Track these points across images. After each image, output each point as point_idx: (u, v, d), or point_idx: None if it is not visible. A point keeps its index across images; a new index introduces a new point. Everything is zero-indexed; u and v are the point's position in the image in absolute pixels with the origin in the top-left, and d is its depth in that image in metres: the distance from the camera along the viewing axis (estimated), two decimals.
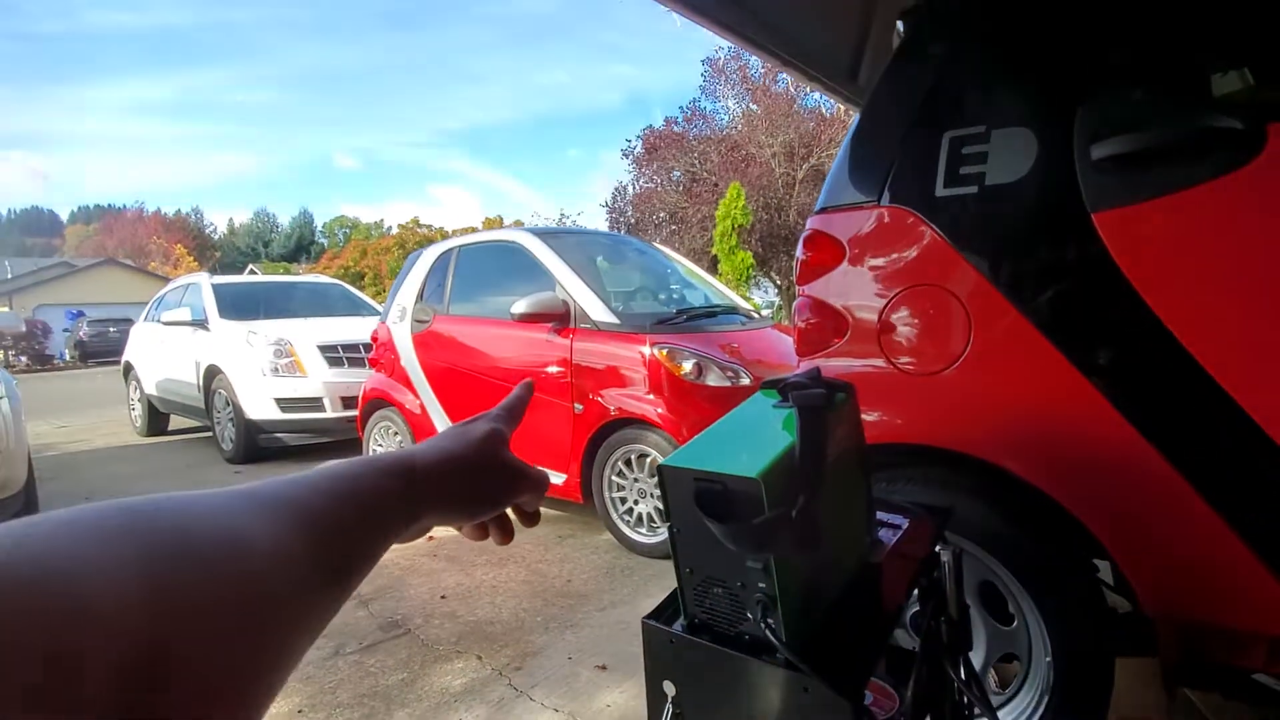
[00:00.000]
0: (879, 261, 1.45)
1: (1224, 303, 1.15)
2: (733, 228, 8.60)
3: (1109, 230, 1.19)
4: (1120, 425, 1.21)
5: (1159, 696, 1.38)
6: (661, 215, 19.39)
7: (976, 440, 1.33)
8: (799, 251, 1.59)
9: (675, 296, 4.01)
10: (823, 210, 1.57)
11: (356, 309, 6.62)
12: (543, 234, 3.76)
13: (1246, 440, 1.11)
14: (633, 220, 19.68)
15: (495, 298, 3.70)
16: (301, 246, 58.47)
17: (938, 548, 1.04)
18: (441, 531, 3.59)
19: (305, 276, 8.81)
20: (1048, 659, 1.28)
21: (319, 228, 63.37)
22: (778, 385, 0.98)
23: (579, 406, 3.20)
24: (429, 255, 4.14)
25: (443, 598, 2.75)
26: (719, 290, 4.35)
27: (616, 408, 3.08)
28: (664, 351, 3.01)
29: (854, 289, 1.48)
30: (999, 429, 1.32)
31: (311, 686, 2.15)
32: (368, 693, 2.10)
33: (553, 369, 3.30)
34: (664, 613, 0.98)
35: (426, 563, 3.15)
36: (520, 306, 3.25)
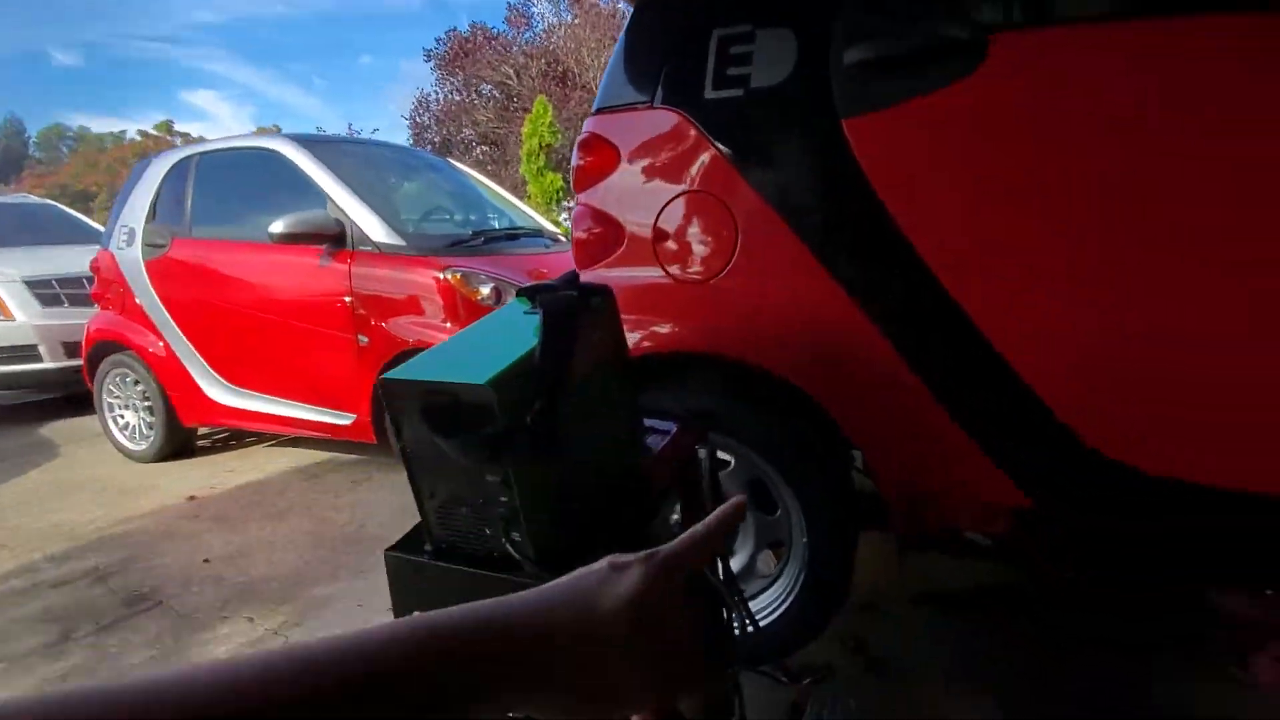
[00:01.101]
0: (652, 166, 1.40)
1: (949, 209, 1.26)
2: (540, 147, 8.23)
3: (856, 136, 1.24)
4: (866, 327, 1.30)
5: (890, 562, 1.59)
6: (470, 134, 18.12)
7: (744, 345, 1.38)
8: (574, 155, 1.50)
9: (473, 218, 3.75)
10: (599, 111, 1.48)
11: (79, 235, 5.41)
12: (308, 141, 3.26)
13: (964, 338, 1.25)
14: (437, 140, 18.20)
15: (252, 217, 3.17)
16: (10, 160, 46.83)
17: (698, 448, 1.06)
18: (203, 487, 3.16)
19: (7, 197, 7.00)
20: (804, 540, 1.40)
21: (32, 138, 51.03)
22: (529, 291, 0.89)
23: (364, 339, 2.90)
24: (160, 165, 3.43)
25: (206, 561, 2.41)
26: (524, 213, 4.15)
27: (415, 339, 2.84)
28: (458, 275, 2.80)
29: (629, 196, 1.43)
30: (763, 333, 1.37)
31: (31, 679, 1.78)
32: (106, 678, 1.79)
33: (328, 299, 2.94)
34: (410, 543, 0.89)
35: (186, 525, 2.75)
36: (281, 226, 2.81)
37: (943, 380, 1.30)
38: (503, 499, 0.75)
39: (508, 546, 0.76)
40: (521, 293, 0.90)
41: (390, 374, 0.75)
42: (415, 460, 0.79)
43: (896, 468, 1.39)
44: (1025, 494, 1.28)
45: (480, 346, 0.81)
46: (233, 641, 1.93)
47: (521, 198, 5.49)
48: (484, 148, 17.91)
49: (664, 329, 1.43)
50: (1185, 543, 1.25)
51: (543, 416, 0.72)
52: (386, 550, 0.86)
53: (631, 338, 1.43)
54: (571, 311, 0.83)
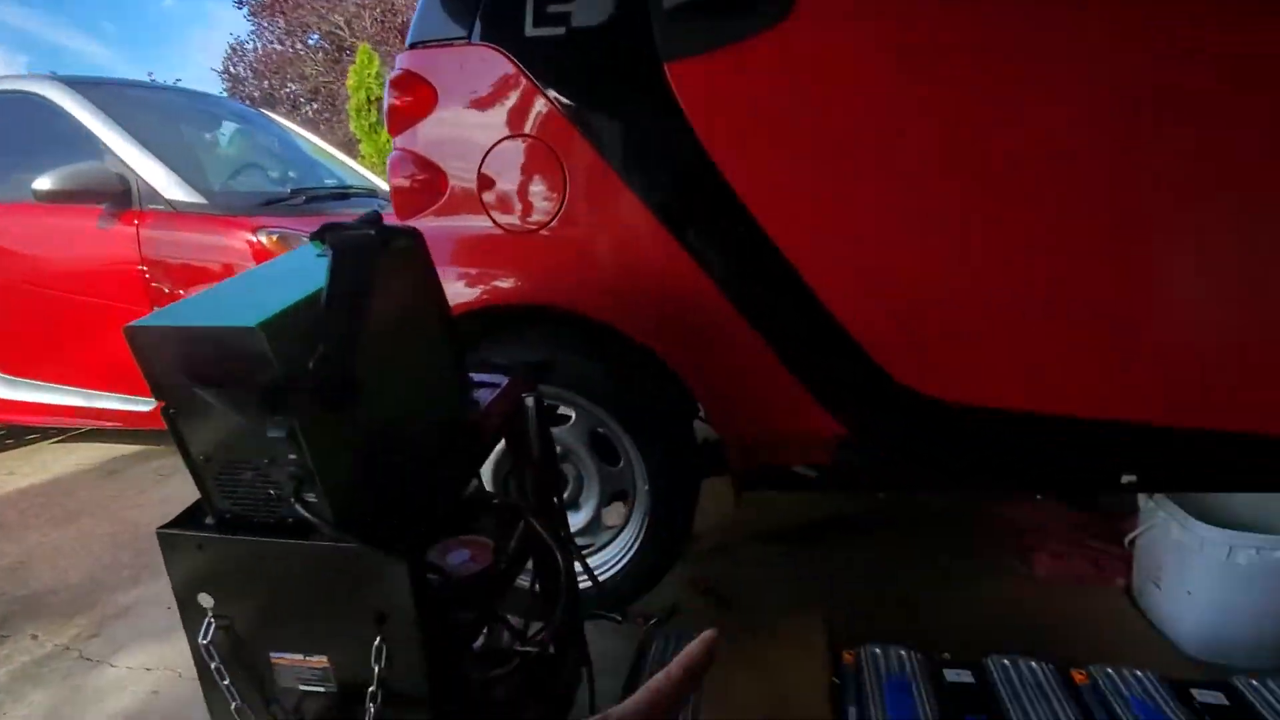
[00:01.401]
0: (473, 108, 1.32)
1: (767, 157, 1.30)
2: (369, 100, 7.53)
3: (678, 82, 1.24)
4: (697, 275, 1.32)
5: (728, 504, 1.67)
6: (297, 88, 16.34)
7: (577, 297, 1.35)
8: (387, 94, 1.38)
9: (293, 176, 3.39)
10: (413, 46, 1.36)
11: None
12: (80, 84, 2.76)
13: (788, 284, 1.31)
14: (257, 95, 16.25)
15: (14, 174, 2.65)
16: None
17: (525, 396, 1.03)
18: None
19: None
20: (646, 488, 1.43)
21: None
22: (319, 232, 0.80)
23: None
24: None
25: None
26: (355, 171, 3.82)
27: None
28: (274, 238, 2.52)
29: (449, 140, 1.34)
30: (596, 285, 1.35)
31: None
32: None
33: (116, 267, 2.54)
34: (190, 518, 0.78)
35: None
36: (48, 183, 2.37)
37: (770, 325, 1.36)
38: (291, 457, 0.67)
39: (301, 510, 0.68)
40: (313, 236, 0.80)
41: (138, 322, 0.64)
42: (182, 421, 0.69)
43: (731, 411, 1.44)
44: (844, 426, 1.38)
45: (256, 290, 0.72)
46: (15, 662, 1.65)
47: (354, 156, 5.04)
48: (315, 104, 16.27)
49: (497, 282, 1.37)
50: (978, 460, 1.43)
51: (329, 364, 0.65)
52: (159, 528, 0.75)
53: (463, 291, 1.36)
54: (366, 251, 0.76)
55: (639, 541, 1.46)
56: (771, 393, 1.41)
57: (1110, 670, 1.22)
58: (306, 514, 0.68)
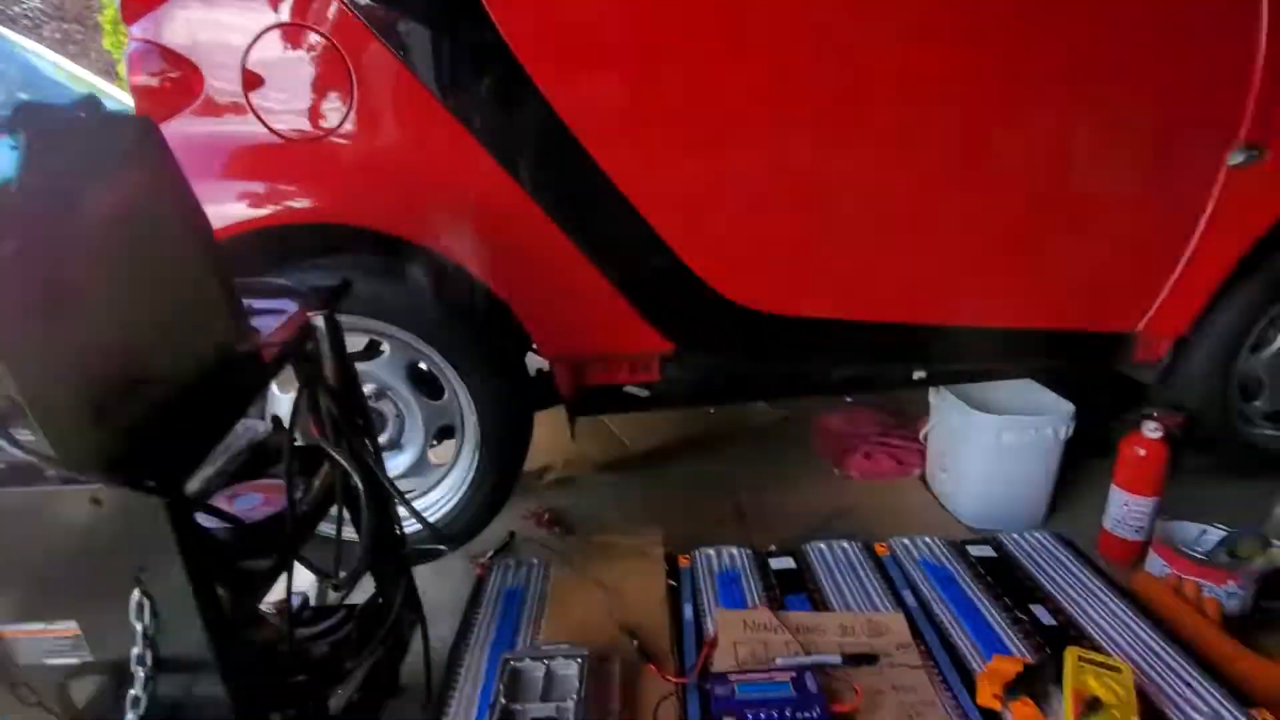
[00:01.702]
0: None
1: (586, 70, 1.24)
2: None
3: None
4: (511, 189, 1.24)
5: (565, 439, 1.65)
6: (39, 4, 13.40)
7: (375, 214, 1.22)
8: None
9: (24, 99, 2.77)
10: None
11: None
12: None
13: (610, 201, 1.27)
14: None
15: None
16: None
17: (313, 318, 0.91)
18: None
19: None
20: (474, 420, 1.36)
21: None
22: (9, 118, 0.63)
23: None
24: None
25: None
26: (112, 98, 3.21)
27: None
28: None
29: (202, 27, 1.12)
30: (396, 199, 1.23)
31: None
32: None
33: None
34: None
35: None
36: None
37: (593, 243, 1.32)
38: None
39: (16, 452, 0.55)
40: (8, 123, 0.63)
41: None
42: None
43: (561, 334, 1.40)
44: (671, 341, 1.40)
45: None
46: None
47: (112, 80, 4.26)
48: (61, 23, 13.47)
49: (279, 196, 1.19)
50: (792, 364, 1.52)
51: (24, 264, 0.51)
52: None
53: (238, 208, 1.17)
54: (71, 135, 0.60)
55: (470, 478, 1.39)
56: (601, 314, 1.39)
57: (905, 540, 1.37)
58: (24, 454, 0.54)
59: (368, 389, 1.34)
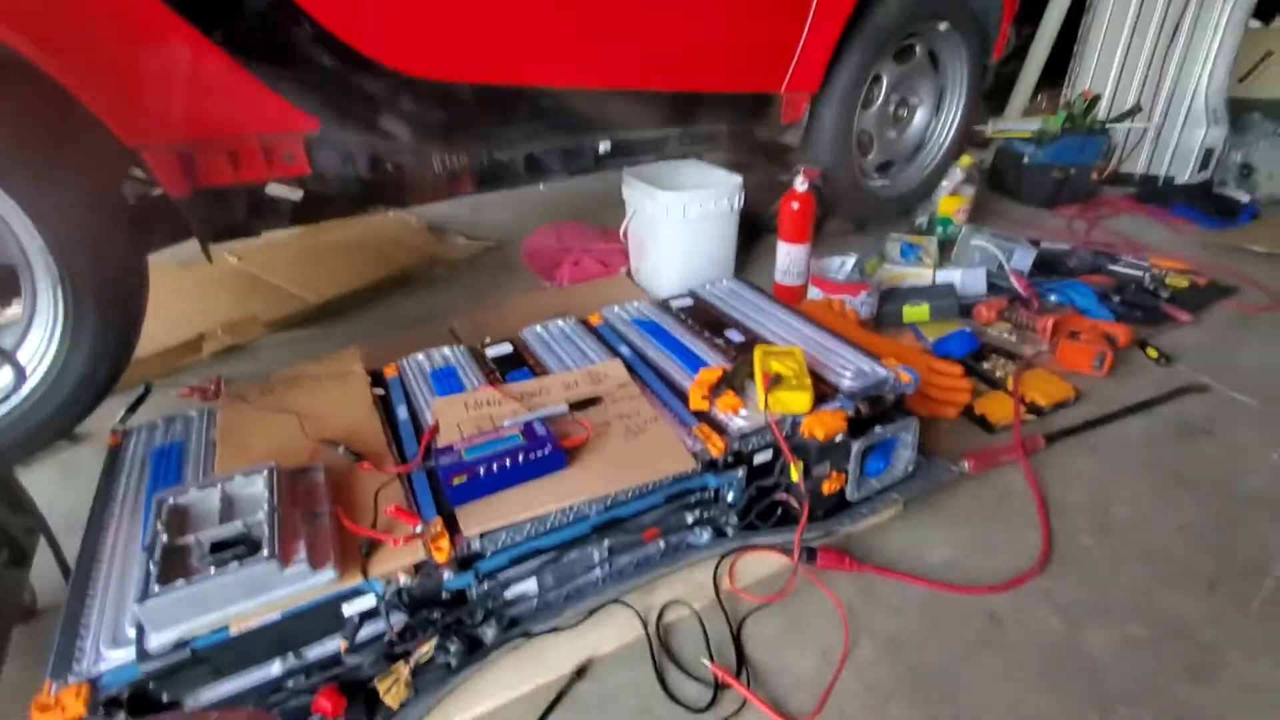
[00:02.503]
0: None
1: None
2: None
3: None
4: None
5: (218, 296, 1.31)
6: None
7: None
8: None
9: None
10: None
11: None
12: None
13: None
14: None
15: None
16: None
17: None
18: None
19: None
20: (40, 244, 0.98)
21: None
22: None
23: None
24: None
25: None
26: None
27: None
28: None
29: None
30: None
31: None
32: None
33: None
34: None
35: None
36: None
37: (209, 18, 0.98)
38: None
39: None
40: None
41: None
42: None
43: (145, 116, 1.04)
44: (317, 116, 1.14)
45: None
46: None
47: None
48: None
49: None
50: (460, 136, 1.37)
51: None
52: None
53: None
54: None
55: (60, 331, 1.03)
56: (223, 94, 1.06)
57: (616, 308, 1.40)
58: None
59: None
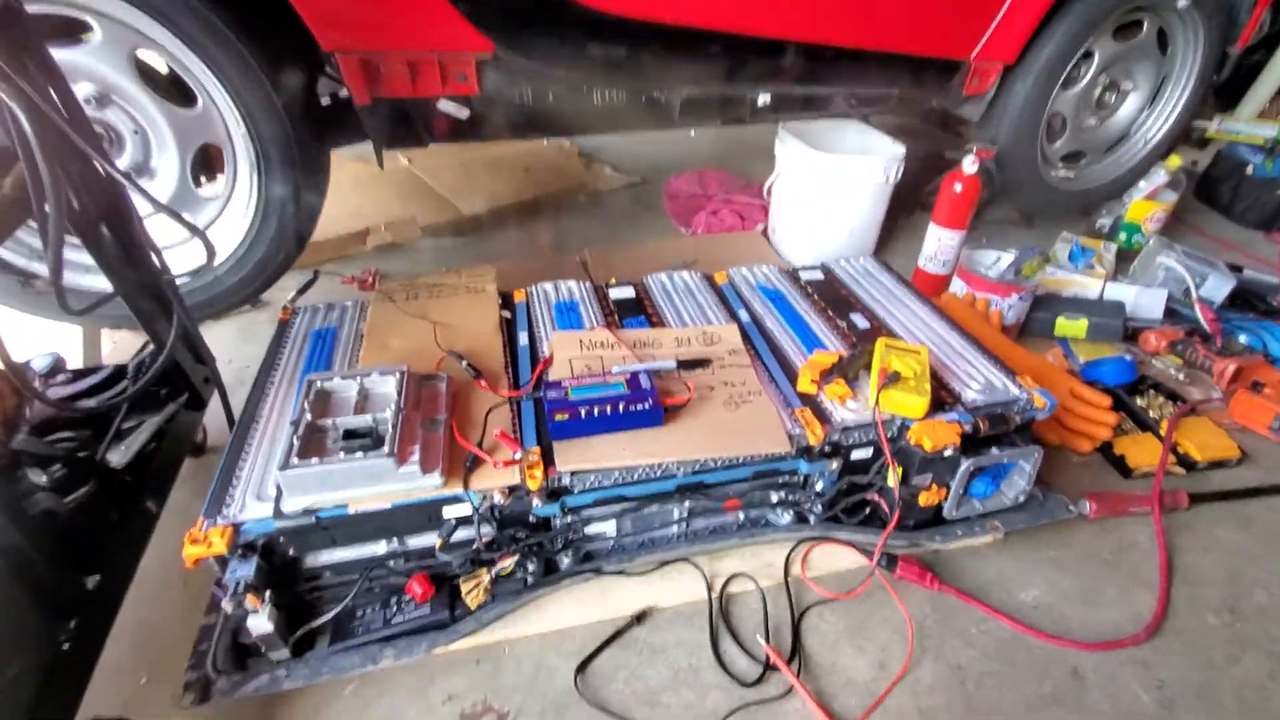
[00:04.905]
0: None
1: None
2: None
3: None
4: None
5: (384, 197, 1.41)
6: None
7: None
8: None
9: None
10: None
11: None
12: None
13: None
14: None
15: None
16: None
17: None
18: None
19: None
20: (244, 131, 1.10)
21: None
22: None
23: None
24: None
25: None
26: None
27: None
28: None
29: None
30: None
31: None
32: None
33: None
34: None
35: None
36: None
37: None
38: None
39: None
40: None
41: None
42: None
43: (341, 12, 1.11)
44: (490, 39, 1.17)
45: None
46: None
47: None
48: None
49: None
50: (628, 75, 1.36)
51: None
52: None
53: None
54: None
55: (254, 209, 1.16)
56: (417, 10, 1.12)
57: (744, 269, 1.37)
58: None
59: (83, 91, 1.02)
